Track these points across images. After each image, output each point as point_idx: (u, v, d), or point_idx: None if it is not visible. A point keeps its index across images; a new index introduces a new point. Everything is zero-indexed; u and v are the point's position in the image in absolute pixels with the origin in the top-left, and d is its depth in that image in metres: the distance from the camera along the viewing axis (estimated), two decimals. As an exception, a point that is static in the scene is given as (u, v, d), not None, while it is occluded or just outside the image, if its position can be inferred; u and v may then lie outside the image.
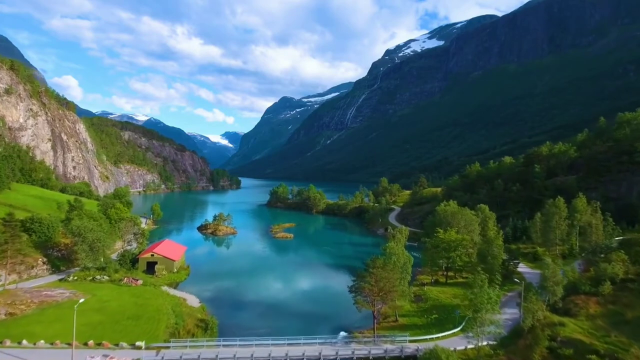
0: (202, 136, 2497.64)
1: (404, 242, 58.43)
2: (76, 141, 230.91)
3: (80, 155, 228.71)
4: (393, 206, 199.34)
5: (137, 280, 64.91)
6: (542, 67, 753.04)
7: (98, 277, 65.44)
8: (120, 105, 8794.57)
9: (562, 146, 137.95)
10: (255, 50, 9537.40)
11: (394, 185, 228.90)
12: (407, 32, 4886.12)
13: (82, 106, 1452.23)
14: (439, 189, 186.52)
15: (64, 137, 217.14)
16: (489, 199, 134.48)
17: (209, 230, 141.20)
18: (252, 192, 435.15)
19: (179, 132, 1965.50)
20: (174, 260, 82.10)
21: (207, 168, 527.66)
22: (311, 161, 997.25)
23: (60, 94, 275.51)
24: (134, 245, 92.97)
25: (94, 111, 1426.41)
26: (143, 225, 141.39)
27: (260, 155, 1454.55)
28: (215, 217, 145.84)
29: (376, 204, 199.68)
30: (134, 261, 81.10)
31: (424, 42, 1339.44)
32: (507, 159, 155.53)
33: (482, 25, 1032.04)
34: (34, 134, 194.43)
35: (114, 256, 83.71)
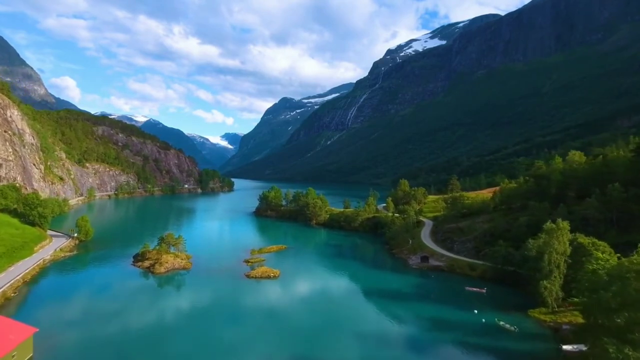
0: (201, 137, 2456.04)
1: None
2: (5, 132, 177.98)
3: (11, 150, 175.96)
4: (421, 218, 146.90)
5: None
6: (550, 65, 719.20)
7: None
8: (119, 106, 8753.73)
9: None
10: (253, 49, 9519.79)
11: (418, 189, 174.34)
12: (407, 32, 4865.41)
13: (81, 107, 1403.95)
14: (489, 193, 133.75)
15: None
16: (599, 213, 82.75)
17: (146, 263, 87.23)
18: (245, 195, 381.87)
19: (178, 133, 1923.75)
20: None
21: (195, 168, 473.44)
22: (311, 162, 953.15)
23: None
24: None
25: (92, 112, 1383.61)
26: (44, 256, 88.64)
27: (260, 156, 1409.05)
28: (159, 241, 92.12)
29: (396, 215, 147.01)
30: None
31: (425, 41, 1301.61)
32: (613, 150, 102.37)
33: (487, 24, 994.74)
34: None
35: None
